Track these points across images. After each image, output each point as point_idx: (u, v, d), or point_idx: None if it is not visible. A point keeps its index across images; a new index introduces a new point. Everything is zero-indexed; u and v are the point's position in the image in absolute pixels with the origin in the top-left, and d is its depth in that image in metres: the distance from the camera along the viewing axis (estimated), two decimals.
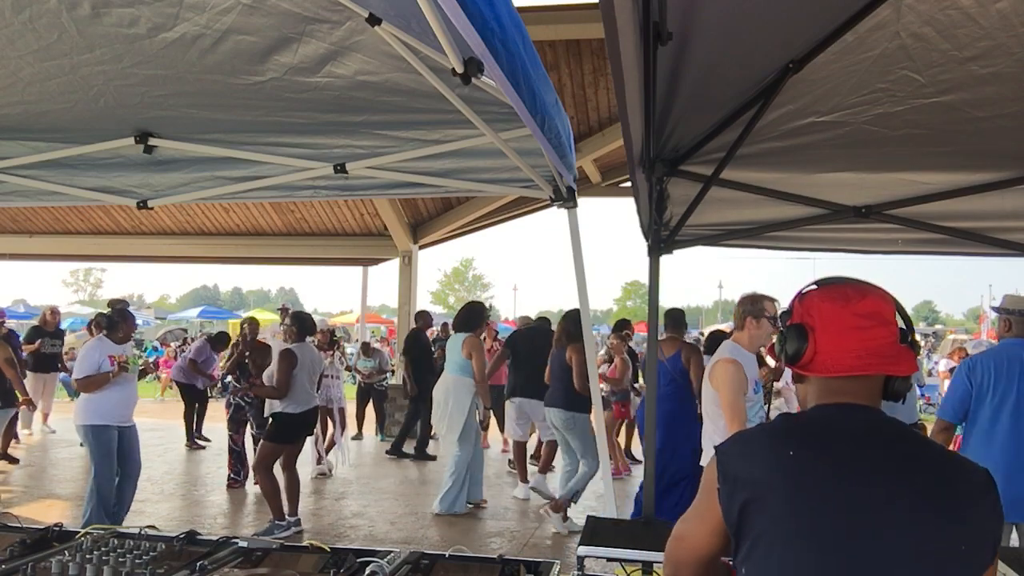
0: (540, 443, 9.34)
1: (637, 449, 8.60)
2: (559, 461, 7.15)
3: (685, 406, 5.65)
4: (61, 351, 10.62)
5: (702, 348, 6.65)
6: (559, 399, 6.50)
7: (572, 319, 6.52)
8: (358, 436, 11.10)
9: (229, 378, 7.65)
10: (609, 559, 3.17)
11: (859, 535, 1.28)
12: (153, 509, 6.76)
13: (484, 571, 2.34)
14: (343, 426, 8.54)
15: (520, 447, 7.79)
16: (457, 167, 3.85)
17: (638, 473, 8.11)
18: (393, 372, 11.88)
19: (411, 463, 9.47)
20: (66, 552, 2.29)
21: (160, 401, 16.25)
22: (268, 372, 6.35)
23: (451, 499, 6.82)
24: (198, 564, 2.22)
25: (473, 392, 6.79)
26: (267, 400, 6.42)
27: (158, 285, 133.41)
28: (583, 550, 3.01)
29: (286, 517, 6.03)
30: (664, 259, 3.64)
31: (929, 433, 3.80)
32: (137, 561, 2.24)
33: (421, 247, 12.56)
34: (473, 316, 7.06)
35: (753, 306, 3.85)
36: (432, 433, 9.44)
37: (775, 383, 6.45)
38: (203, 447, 10.11)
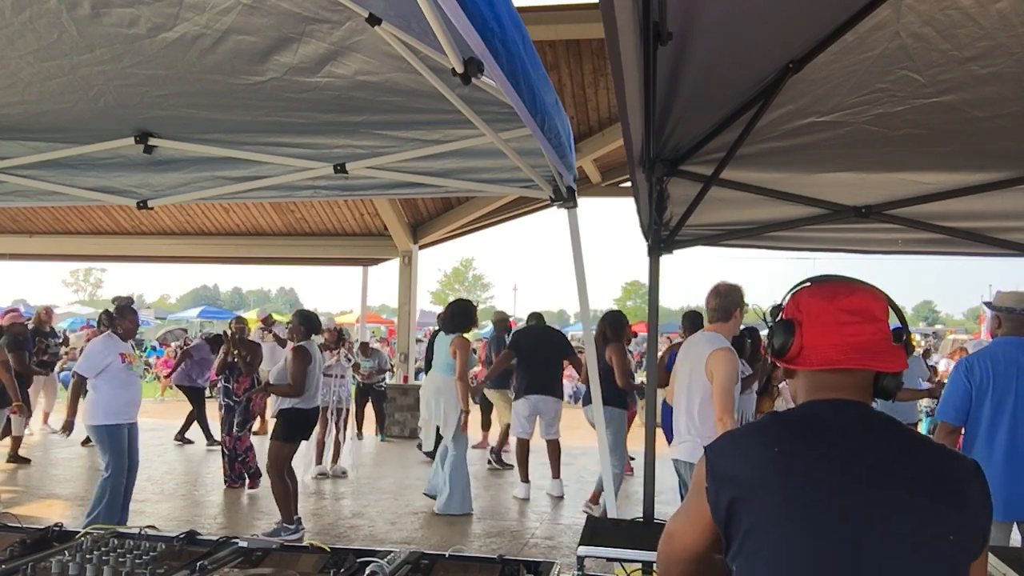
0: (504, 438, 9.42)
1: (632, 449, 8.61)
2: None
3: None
4: (59, 350, 10.63)
5: (681, 329, 6.76)
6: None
7: (611, 320, 6.79)
8: (359, 436, 11.10)
9: (220, 380, 7.64)
10: (609, 559, 3.17)
11: (851, 519, 1.30)
12: (153, 509, 6.76)
13: (484, 571, 2.34)
14: (344, 426, 8.55)
15: (524, 445, 7.81)
16: (457, 167, 3.85)
17: (640, 474, 8.11)
18: (392, 372, 11.88)
19: (414, 463, 9.45)
20: (66, 552, 2.29)
21: (160, 401, 16.25)
22: (279, 369, 6.36)
23: (457, 500, 6.85)
24: (198, 564, 2.22)
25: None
26: (269, 399, 6.42)
27: (158, 285, 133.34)
28: (583, 550, 3.01)
29: (293, 520, 6.04)
30: (664, 259, 3.64)
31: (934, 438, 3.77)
32: (137, 561, 2.24)
33: (421, 247, 12.56)
34: (463, 317, 7.06)
35: (739, 297, 3.92)
36: (418, 442, 9.44)
37: (782, 383, 6.49)
38: (192, 443, 10.17)
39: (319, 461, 8.28)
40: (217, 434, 8.83)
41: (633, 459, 8.40)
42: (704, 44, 2.20)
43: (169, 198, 4.33)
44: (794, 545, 1.31)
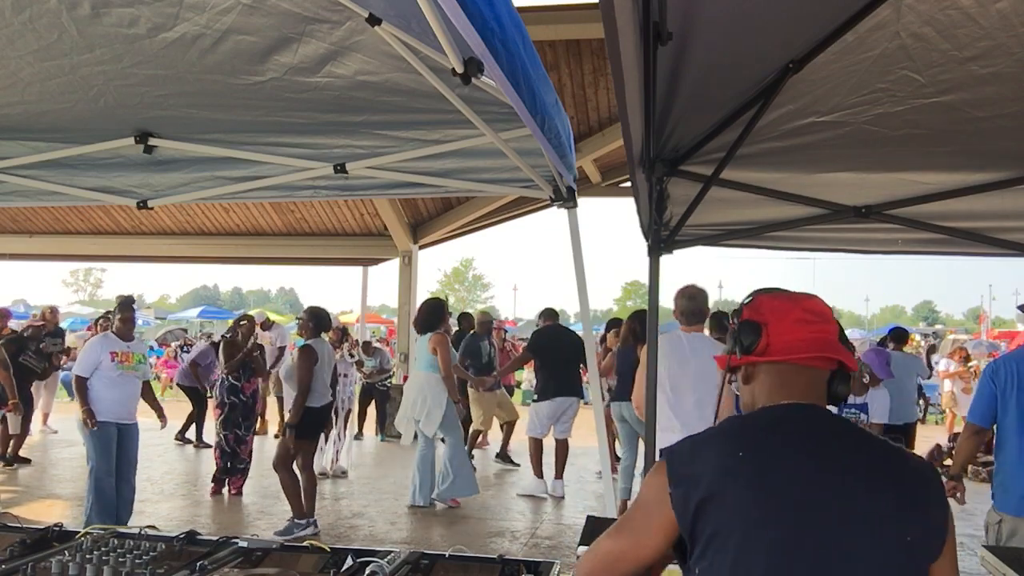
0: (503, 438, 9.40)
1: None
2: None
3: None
4: (62, 350, 10.62)
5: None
6: (630, 394, 6.64)
7: (641, 319, 6.79)
8: (359, 436, 11.10)
9: (228, 377, 7.53)
10: None
11: (814, 519, 1.35)
12: (153, 509, 6.76)
13: (484, 571, 2.34)
14: (346, 426, 8.56)
15: (540, 445, 7.82)
16: (457, 167, 3.85)
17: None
18: (394, 372, 11.88)
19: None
20: (66, 552, 2.29)
21: (160, 401, 16.23)
22: (287, 368, 6.38)
23: (460, 483, 6.94)
24: (198, 564, 2.22)
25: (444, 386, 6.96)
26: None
27: (158, 285, 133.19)
28: (583, 550, 3.01)
29: (305, 516, 6.05)
30: (664, 259, 3.64)
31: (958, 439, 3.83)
32: (137, 561, 2.24)
33: (421, 247, 12.56)
34: (435, 316, 7.17)
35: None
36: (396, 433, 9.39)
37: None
38: (197, 446, 10.14)
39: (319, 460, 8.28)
40: (209, 438, 8.82)
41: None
42: (704, 44, 2.20)
43: (169, 198, 4.33)
44: (759, 545, 1.34)
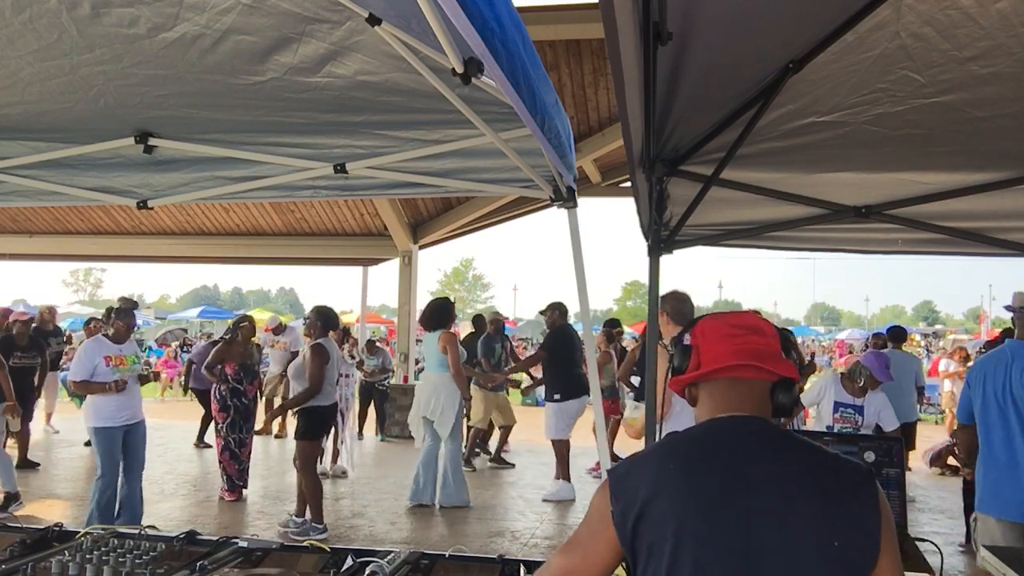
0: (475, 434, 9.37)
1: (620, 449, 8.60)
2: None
3: None
4: (63, 350, 10.61)
5: None
6: None
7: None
8: (359, 436, 11.10)
9: (231, 380, 7.51)
10: None
11: (740, 526, 1.37)
12: (153, 509, 6.75)
13: (484, 571, 2.34)
14: (345, 426, 8.55)
15: (567, 446, 7.77)
16: (457, 167, 3.85)
17: None
18: (394, 372, 11.88)
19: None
20: (66, 552, 2.29)
21: (160, 401, 16.24)
22: (296, 366, 6.38)
23: (454, 492, 6.93)
24: (198, 564, 2.22)
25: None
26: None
27: (158, 285, 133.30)
28: None
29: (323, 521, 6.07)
30: (664, 259, 3.64)
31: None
32: (137, 561, 2.24)
33: (421, 247, 12.57)
34: (442, 314, 7.17)
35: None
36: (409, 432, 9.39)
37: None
38: (198, 446, 10.13)
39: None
40: (209, 438, 8.78)
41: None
42: (704, 44, 2.20)
43: (169, 198, 4.32)
44: (687, 554, 1.36)
